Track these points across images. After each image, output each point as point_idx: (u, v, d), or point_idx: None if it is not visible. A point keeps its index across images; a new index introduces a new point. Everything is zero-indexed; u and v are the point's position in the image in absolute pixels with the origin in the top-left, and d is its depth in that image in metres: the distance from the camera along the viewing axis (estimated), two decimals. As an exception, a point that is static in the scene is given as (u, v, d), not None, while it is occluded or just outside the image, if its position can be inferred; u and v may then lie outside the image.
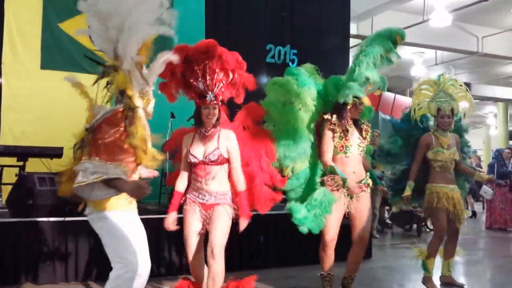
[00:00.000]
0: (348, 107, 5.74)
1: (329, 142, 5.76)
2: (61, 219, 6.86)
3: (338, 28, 12.26)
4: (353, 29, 14.90)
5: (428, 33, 16.48)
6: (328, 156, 5.72)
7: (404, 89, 22.06)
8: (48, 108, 9.39)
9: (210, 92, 5.12)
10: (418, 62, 20.59)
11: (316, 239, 6.07)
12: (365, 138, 5.88)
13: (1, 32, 9.36)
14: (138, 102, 4.32)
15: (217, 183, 5.19)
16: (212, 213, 5.15)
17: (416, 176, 6.77)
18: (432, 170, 6.76)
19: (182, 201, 5.30)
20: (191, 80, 5.20)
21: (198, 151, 5.18)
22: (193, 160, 5.16)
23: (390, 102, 19.01)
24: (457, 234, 7.00)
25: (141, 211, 7.86)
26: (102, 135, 4.06)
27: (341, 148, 5.73)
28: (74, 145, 4.28)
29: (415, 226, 12.55)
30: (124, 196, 4.13)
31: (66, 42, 9.78)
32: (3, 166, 8.39)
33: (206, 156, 5.14)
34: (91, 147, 4.06)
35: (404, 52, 19.01)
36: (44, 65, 9.58)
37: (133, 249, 4.15)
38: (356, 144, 5.79)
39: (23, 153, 8.10)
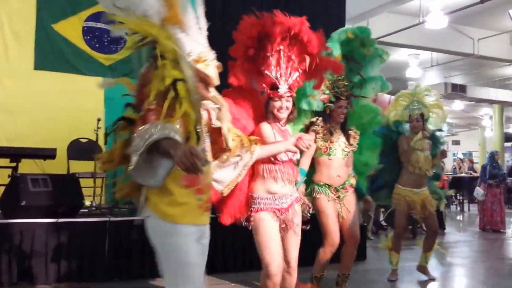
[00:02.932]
0: (327, 112, 5.73)
1: None
2: (54, 220, 6.84)
3: (333, 30, 12.19)
4: (349, 30, 14.90)
5: (424, 35, 16.48)
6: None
7: (400, 91, 21.89)
8: (42, 109, 9.35)
9: (283, 83, 4.57)
10: (414, 64, 20.58)
11: (311, 241, 6.01)
12: (351, 145, 5.81)
13: (-6, 33, 9.36)
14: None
15: (293, 184, 4.74)
16: (288, 217, 4.60)
17: (391, 174, 7.26)
18: (404, 171, 7.21)
19: (250, 212, 4.55)
20: (263, 68, 4.60)
21: None
22: (284, 158, 4.53)
23: (386, 103, 18.99)
24: (436, 233, 7.54)
25: (135, 213, 7.89)
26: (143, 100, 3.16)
27: (325, 150, 5.67)
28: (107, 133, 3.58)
29: (410, 227, 12.53)
30: (190, 197, 3.27)
31: (60, 43, 9.79)
32: (-4, 167, 8.36)
33: (294, 155, 4.62)
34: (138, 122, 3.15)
35: (399, 53, 19.02)
36: (38, 66, 9.56)
37: None
38: (341, 148, 5.73)
39: (16, 154, 8.05)
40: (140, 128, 2.99)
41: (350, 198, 5.83)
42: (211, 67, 3.41)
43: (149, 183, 3.16)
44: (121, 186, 3.41)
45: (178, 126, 3.02)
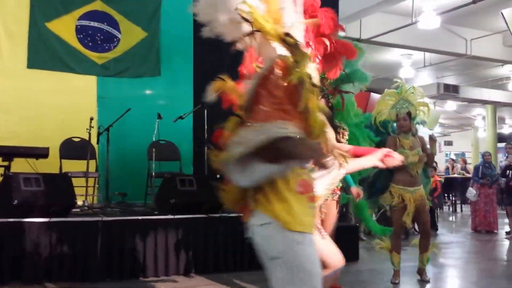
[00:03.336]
0: None
1: None
2: (47, 219, 6.81)
3: (326, 30, 12.21)
4: (342, 30, 14.87)
5: (417, 35, 16.49)
6: None
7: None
8: (35, 108, 9.41)
9: None
10: (407, 64, 20.57)
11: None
12: (339, 142, 5.79)
13: (-13, 31, 9.35)
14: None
15: None
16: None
17: (387, 177, 7.28)
18: (396, 170, 7.11)
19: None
20: None
21: None
22: None
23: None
24: (427, 232, 7.50)
25: (127, 212, 7.88)
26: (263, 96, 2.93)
27: None
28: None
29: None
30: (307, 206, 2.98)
31: (53, 42, 9.79)
32: (-12, 166, 8.34)
33: None
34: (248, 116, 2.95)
35: (392, 54, 19.04)
36: (31, 65, 9.58)
37: None
38: None
39: (8, 153, 8.05)
40: (256, 123, 2.79)
41: (331, 202, 5.81)
42: (312, 68, 3.14)
43: (239, 182, 2.91)
44: (230, 193, 3.11)
45: (293, 128, 2.75)
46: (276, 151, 2.70)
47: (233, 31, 3.12)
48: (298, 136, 2.69)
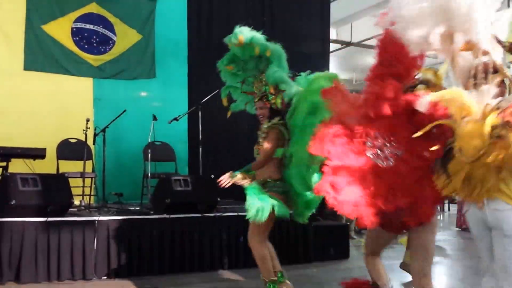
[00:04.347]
0: None
1: None
2: (44, 219, 6.91)
3: (318, 33, 12.38)
4: (333, 34, 15.05)
5: (407, 39, 16.62)
6: None
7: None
8: (31, 109, 9.51)
9: None
10: (397, 67, 20.66)
11: (297, 240, 6.13)
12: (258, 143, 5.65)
13: (-17, 34, 9.44)
14: None
15: None
16: None
17: None
18: None
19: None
20: None
21: None
22: None
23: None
24: None
25: (123, 212, 7.99)
26: None
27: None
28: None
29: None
30: None
31: (49, 44, 9.89)
32: (-15, 166, 8.43)
33: None
34: None
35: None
36: (27, 67, 9.70)
37: None
38: (256, 147, 5.63)
39: (6, 153, 8.15)
40: None
41: None
42: None
43: None
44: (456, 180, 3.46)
45: None
46: None
47: (442, 43, 3.59)
48: None
